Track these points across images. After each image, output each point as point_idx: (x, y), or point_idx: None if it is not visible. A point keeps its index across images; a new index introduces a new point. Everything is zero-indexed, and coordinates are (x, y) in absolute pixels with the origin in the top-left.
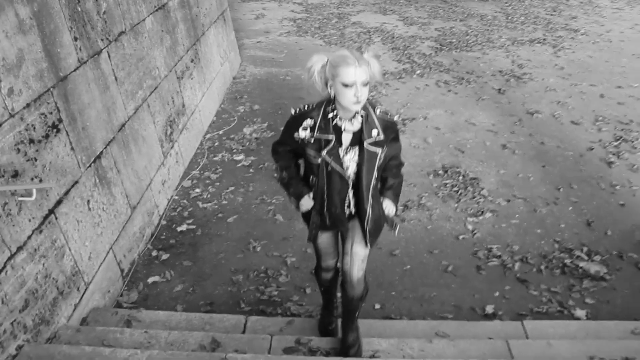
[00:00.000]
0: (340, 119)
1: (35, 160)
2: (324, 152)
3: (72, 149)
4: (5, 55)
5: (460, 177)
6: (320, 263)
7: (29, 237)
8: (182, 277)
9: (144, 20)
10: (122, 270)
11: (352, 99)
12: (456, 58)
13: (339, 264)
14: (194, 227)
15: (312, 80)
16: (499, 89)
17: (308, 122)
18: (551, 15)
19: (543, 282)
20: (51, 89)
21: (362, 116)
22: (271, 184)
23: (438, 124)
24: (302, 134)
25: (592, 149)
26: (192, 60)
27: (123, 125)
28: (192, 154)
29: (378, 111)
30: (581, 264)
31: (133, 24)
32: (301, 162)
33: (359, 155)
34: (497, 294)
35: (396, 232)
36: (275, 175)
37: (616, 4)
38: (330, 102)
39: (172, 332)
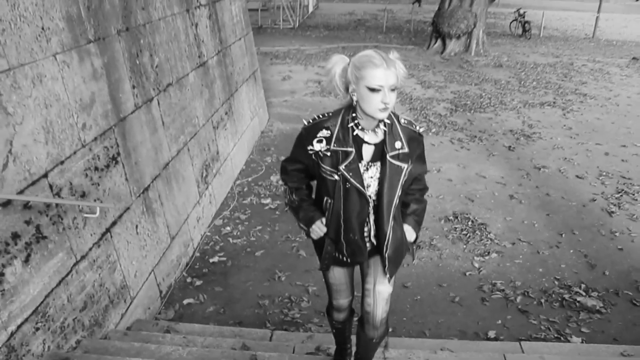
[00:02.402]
0: (361, 129)
1: (98, 185)
2: (342, 166)
3: (126, 179)
4: (82, 97)
5: (470, 223)
6: (331, 301)
7: (90, 249)
8: (214, 300)
9: (187, 74)
10: (160, 292)
11: (379, 106)
12: (470, 118)
13: (354, 303)
14: (224, 259)
15: (332, 84)
16: (509, 146)
17: (324, 132)
18: (562, 80)
19: (542, 313)
20: (113, 127)
21: (385, 125)
22: (295, 225)
23: (451, 176)
24: (317, 146)
25: (595, 200)
26: (226, 113)
27: (167, 164)
28: (224, 197)
29: (403, 120)
30: (579, 299)
31: (179, 77)
32: (313, 184)
33: (381, 170)
34: (499, 321)
35: (415, 260)
36: (285, 197)
37: (625, 71)
38: (350, 109)
39: (207, 338)
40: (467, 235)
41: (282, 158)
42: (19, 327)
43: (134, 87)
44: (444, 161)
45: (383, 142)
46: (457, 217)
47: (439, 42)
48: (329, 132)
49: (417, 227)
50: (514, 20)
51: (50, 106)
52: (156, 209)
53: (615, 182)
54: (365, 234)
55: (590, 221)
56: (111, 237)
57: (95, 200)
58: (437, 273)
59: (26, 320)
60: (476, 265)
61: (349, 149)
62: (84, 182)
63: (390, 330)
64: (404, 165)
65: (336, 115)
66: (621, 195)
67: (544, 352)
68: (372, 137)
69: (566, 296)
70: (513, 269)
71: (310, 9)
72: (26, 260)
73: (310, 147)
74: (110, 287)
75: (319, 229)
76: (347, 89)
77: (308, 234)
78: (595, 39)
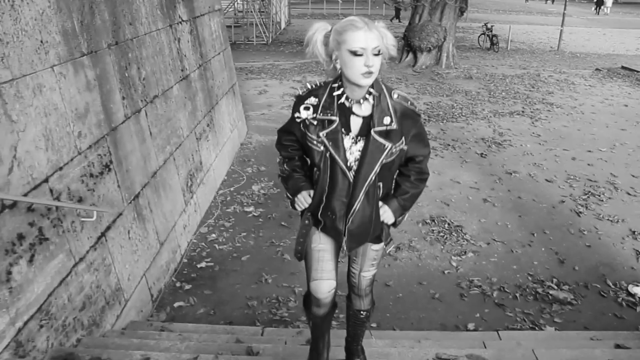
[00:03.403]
0: (347, 98)
1: (93, 191)
2: (322, 133)
3: (118, 186)
4: (78, 107)
5: (446, 225)
6: (309, 287)
7: (87, 252)
8: (204, 302)
9: (172, 87)
10: (152, 295)
11: (361, 70)
12: (443, 128)
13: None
14: (212, 264)
15: (314, 52)
16: (481, 154)
17: (311, 100)
18: (530, 91)
19: (517, 306)
20: (106, 136)
21: (374, 97)
22: (279, 231)
23: (427, 182)
24: (304, 114)
25: (564, 201)
26: (208, 125)
27: (155, 172)
28: (208, 205)
29: (396, 95)
30: (551, 292)
31: (164, 89)
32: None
33: (364, 144)
34: (477, 315)
35: (389, 249)
36: (279, 168)
37: (589, 81)
38: (338, 78)
39: (202, 335)
40: (444, 237)
41: (263, 168)
42: (25, 323)
43: (123, 98)
44: None
45: (370, 115)
46: (434, 220)
47: (411, 55)
48: (316, 99)
49: (400, 210)
50: (482, 34)
51: (49, 115)
52: (146, 215)
53: (583, 185)
54: (346, 219)
55: (560, 221)
56: (106, 240)
57: (91, 205)
58: (417, 272)
59: (31, 317)
60: (454, 264)
61: (333, 118)
62: (80, 188)
63: (375, 305)
64: (388, 144)
65: (326, 84)
66: (588, 197)
67: (520, 339)
68: (358, 109)
69: (539, 290)
70: (489, 266)
71: (283, 25)
72: (30, 260)
73: (297, 115)
74: (106, 289)
75: (304, 199)
76: (330, 58)
77: (293, 204)
78: (560, 51)
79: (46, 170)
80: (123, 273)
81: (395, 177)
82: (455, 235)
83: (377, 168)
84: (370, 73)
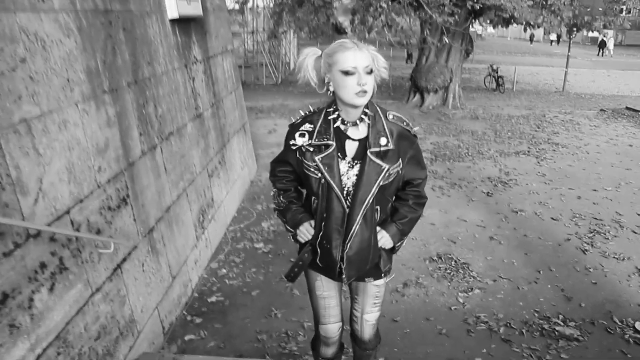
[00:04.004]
0: (342, 121)
1: (111, 223)
2: (317, 157)
3: (134, 219)
4: (98, 142)
5: (453, 262)
6: (318, 329)
7: (104, 282)
8: (214, 336)
9: (186, 125)
10: (163, 328)
11: (355, 89)
12: (449, 167)
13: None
14: (222, 298)
15: (305, 76)
16: (487, 192)
17: (307, 127)
18: (535, 131)
19: (524, 342)
20: (124, 171)
21: (369, 118)
22: (288, 266)
23: (433, 220)
24: (300, 140)
25: (569, 239)
26: (219, 162)
27: (169, 207)
28: (218, 241)
29: (391, 116)
30: (557, 328)
31: (179, 127)
32: (304, 190)
33: (360, 166)
34: (484, 350)
35: (388, 279)
36: (273, 201)
37: (593, 122)
38: (333, 102)
39: None
40: (451, 274)
41: (272, 206)
42: (44, 350)
43: (140, 134)
44: (426, 207)
45: (366, 137)
46: (440, 258)
47: (418, 96)
48: (312, 126)
49: (397, 236)
50: (487, 75)
51: (72, 149)
52: (160, 249)
53: (588, 223)
54: (343, 249)
55: (565, 259)
56: (121, 272)
57: (109, 237)
58: (424, 308)
59: (50, 344)
60: (460, 300)
61: (329, 142)
62: (99, 220)
63: (381, 341)
64: (385, 165)
65: (321, 110)
66: (594, 235)
67: None
68: (355, 132)
69: (545, 326)
70: (495, 303)
71: (292, 66)
72: (51, 289)
73: (292, 142)
74: (120, 320)
75: (306, 230)
76: (322, 82)
77: (295, 238)
78: (565, 92)
79: (68, 202)
80: (136, 305)
81: (392, 202)
82: (462, 272)
83: (374, 190)
84: (364, 92)
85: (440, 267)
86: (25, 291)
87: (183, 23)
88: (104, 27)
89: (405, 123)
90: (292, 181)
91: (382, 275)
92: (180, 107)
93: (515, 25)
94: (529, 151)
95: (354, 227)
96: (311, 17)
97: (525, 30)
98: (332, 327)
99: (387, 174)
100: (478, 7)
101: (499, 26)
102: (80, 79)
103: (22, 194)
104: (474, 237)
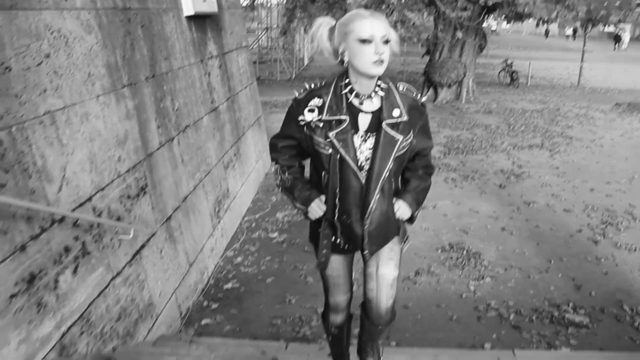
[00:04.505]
0: (356, 95)
1: (130, 211)
2: (331, 133)
3: (152, 208)
4: (118, 133)
5: (464, 252)
6: (328, 300)
7: (123, 267)
8: (230, 321)
9: (202, 118)
10: (180, 312)
11: (372, 58)
12: (462, 160)
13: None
14: (237, 285)
15: (319, 46)
16: (500, 185)
17: (316, 101)
18: (549, 125)
19: (534, 329)
20: (142, 161)
21: (383, 90)
22: (302, 255)
23: (446, 212)
24: (309, 116)
25: (581, 230)
26: (235, 155)
27: (186, 197)
28: (234, 231)
29: (401, 87)
30: (567, 315)
31: (195, 120)
32: (306, 163)
33: (375, 139)
34: (494, 336)
35: (405, 248)
36: (276, 179)
37: (608, 115)
38: (343, 76)
39: (229, 347)
40: (463, 263)
41: (286, 197)
42: (69, 328)
43: (158, 127)
44: (439, 198)
45: (380, 109)
46: (452, 247)
47: (431, 90)
48: (321, 100)
49: (415, 205)
50: (502, 70)
51: (94, 140)
52: (177, 237)
53: (600, 215)
54: (365, 220)
55: (577, 249)
56: (140, 258)
57: (129, 224)
58: (435, 295)
59: (74, 323)
60: (472, 288)
61: (342, 117)
62: (119, 208)
63: (394, 316)
64: (400, 137)
65: (329, 83)
66: (606, 226)
67: (534, 358)
68: (368, 105)
69: (555, 314)
70: (506, 291)
71: (306, 62)
72: (74, 271)
73: (301, 118)
74: (139, 303)
75: (318, 207)
76: (337, 52)
77: (306, 215)
78: (581, 86)
79: (90, 190)
80: (155, 289)
81: (402, 174)
82: (474, 261)
83: (390, 163)
84: (381, 62)
85: (452, 257)
86: (50, 273)
87: (199, 20)
88: (123, 24)
89: (415, 94)
90: (296, 156)
91: (400, 241)
92: (196, 101)
93: (529, 20)
94: (542, 144)
95: (372, 202)
96: (324, 13)
97: (538, 25)
98: (341, 299)
99: (402, 146)
100: (491, 3)
101: (513, 21)
102: (100, 73)
103: (47, 181)
104: (485, 228)
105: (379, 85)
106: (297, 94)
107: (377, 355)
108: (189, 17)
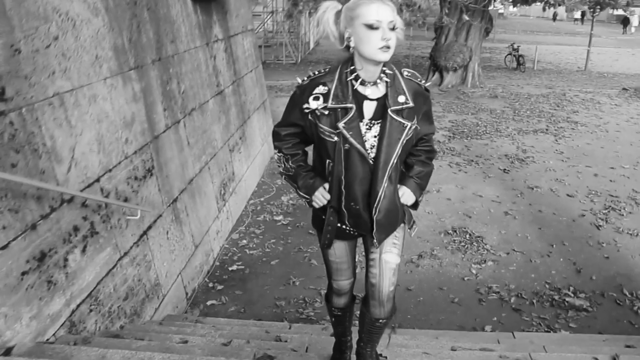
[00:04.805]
0: (362, 82)
1: (137, 192)
2: (340, 124)
3: (159, 190)
4: (125, 115)
5: (467, 236)
6: (331, 283)
7: (131, 247)
8: (235, 301)
9: (208, 101)
10: (186, 293)
11: (378, 44)
12: (467, 145)
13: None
14: (242, 267)
15: (325, 31)
16: (504, 169)
17: (320, 89)
18: (555, 109)
19: (534, 312)
20: (149, 143)
21: (388, 76)
22: (306, 238)
23: (450, 196)
24: (314, 104)
25: (584, 215)
26: (240, 138)
27: (192, 179)
28: (239, 214)
29: (405, 73)
30: (567, 299)
31: (201, 103)
32: (309, 149)
33: (381, 126)
34: (495, 318)
35: (413, 233)
36: (279, 167)
37: (614, 100)
38: (348, 63)
39: (234, 327)
40: (465, 247)
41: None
42: (78, 306)
43: (165, 109)
44: (443, 183)
45: (385, 96)
46: (455, 231)
47: (437, 75)
48: (326, 88)
49: (418, 190)
50: (508, 54)
51: (101, 122)
52: (183, 218)
53: (604, 200)
54: (372, 206)
55: (579, 234)
56: (147, 239)
57: (136, 205)
58: (437, 278)
59: (83, 301)
60: (474, 271)
61: (349, 105)
62: (126, 189)
63: (395, 311)
64: (407, 123)
65: (333, 70)
66: (608, 212)
67: (533, 339)
68: (373, 92)
69: (556, 297)
70: (507, 274)
71: (312, 46)
72: (83, 250)
73: (305, 106)
74: (146, 283)
75: (322, 195)
76: (342, 37)
77: (310, 203)
78: (587, 71)
79: (98, 171)
80: (161, 270)
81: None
82: (476, 245)
83: (398, 150)
84: (387, 47)
85: (454, 240)
86: (60, 251)
87: (204, 3)
88: (129, 6)
89: (419, 79)
90: (299, 144)
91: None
92: (202, 84)
93: (537, 3)
94: (547, 129)
95: (380, 190)
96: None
97: (544, 9)
98: (344, 283)
99: (409, 132)
100: None
101: (520, 5)
102: (107, 56)
103: (56, 162)
104: (489, 212)
105: (384, 72)
106: (300, 81)
107: None
108: (194, 1)
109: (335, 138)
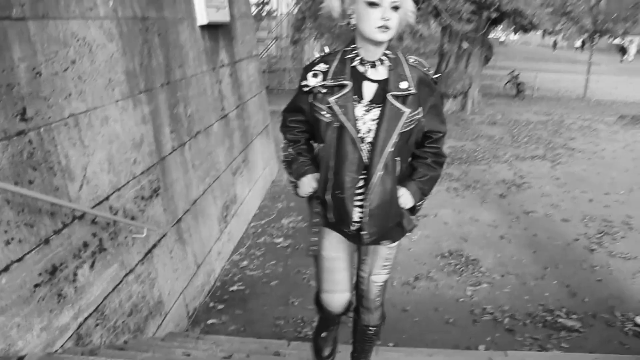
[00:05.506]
0: (361, 61)
1: (143, 212)
2: (332, 99)
3: (164, 210)
4: (135, 137)
5: (463, 259)
6: (321, 288)
7: (136, 265)
8: (235, 320)
9: (212, 124)
10: (188, 312)
11: (377, 23)
12: (465, 170)
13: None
14: (243, 287)
15: (329, 6)
16: (501, 194)
17: (321, 66)
18: (552, 136)
19: (527, 332)
20: (156, 164)
21: (390, 59)
22: (306, 260)
23: (447, 220)
24: (312, 81)
25: (578, 239)
26: (243, 161)
27: (195, 201)
28: (240, 236)
29: (412, 59)
30: (560, 320)
31: (206, 126)
32: (316, 145)
33: (381, 111)
34: (488, 338)
35: (410, 232)
36: (283, 154)
37: (612, 127)
38: (351, 42)
39: (234, 344)
40: (461, 269)
41: (292, 204)
42: (85, 319)
43: (171, 132)
44: (440, 207)
45: (387, 80)
46: (451, 254)
47: None
48: (327, 65)
49: (419, 194)
50: (508, 82)
51: (112, 142)
52: (186, 239)
53: (598, 225)
54: (356, 195)
55: (573, 257)
56: (152, 257)
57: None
58: (433, 300)
59: (90, 315)
60: (468, 293)
61: (345, 82)
62: (133, 208)
63: (384, 319)
64: (406, 110)
65: (337, 51)
66: (602, 236)
67: (525, 357)
68: (373, 73)
69: (549, 318)
70: (502, 296)
71: None
72: (92, 266)
73: (304, 83)
74: (150, 300)
75: (309, 183)
76: (344, 15)
77: (296, 190)
78: (586, 99)
79: (107, 190)
80: (165, 288)
81: (411, 161)
82: (472, 267)
83: (394, 137)
84: (386, 28)
85: (450, 263)
86: (70, 266)
87: (212, 29)
88: (141, 32)
89: (426, 68)
90: (304, 132)
91: (405, 233)
92: (207, 108)
93: (535, 33)
94: (544, 156)
95: (374, 177)
96: (333, 23)
97: (543, 37)
98: (337, 298)
99: (407, 120)
100: (495, 15)
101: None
102: (120, 79)
103: (69, 179)
104: (485, 236)
105: (386, 55)
106: (308, 62)
107: None
108: (202, 27)
109: (328, 116)
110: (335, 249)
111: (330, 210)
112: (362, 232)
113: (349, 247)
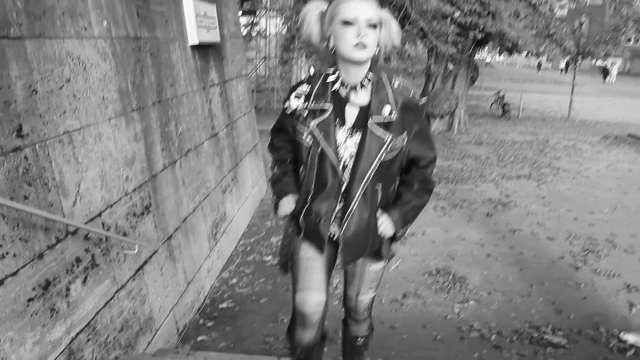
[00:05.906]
0: (342, 84)
1: (135, 228)
2: (312, 122)
3: (155, 226)
4: (127, 154)
5: (450, 276)
6: (295, 300)
7: (127, 281)
8: (224, 337)
9: (203, 143)
10: (178, 329)
11: (352, 41)
12: (452, 189)
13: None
14: (232, 305)
15: (308, 30)
16: (487, 213)
17: (303, 88)
18: (538, 156)
19: (514, 349)
20: (147, 181)
21: (373, 82)
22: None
23: (434, 238)
24: (294, 103)
25: (563, 257)
26: (232, 180)
27: (186, 218)
28: (229, 253)
29: (397, 84)
30: (546, 337)
31: (196, 145)
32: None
33: (361, 137)
34: (476, 355)
35: (392, 267)
36: (271, 173)
37: (596, 147)
38: (334, 64)
39: (224, 359)
40: (448, 287)
41: (281, 223)
42: (77, 334)
43: (163, 150)
44: (428, 226)
45: (369, 104)
46: (439, 272)
47: None
48: (309, 87)
49: (400, 222)
50: (494, 102)
51: (105, 159)
52: (177, 256)
53: (582, 243)
54: (332, 225)
55: (558, 275)
56: (143, 273)
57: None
58: (421, 317)
59: (82, 330)
60: (456, 310)
61: (326, 106)
62: (125, 224)
63: (372, 330)
64: (387, 136)
65: (320, 73)
66: (587, 254)
67: None
68: (356, 97)
69: (535, 335)
70: (489, 313)
71: None
72: (84, 281)
73: (286, 105)
74: (140, 316)
75: (288, 203)
76: (324, 38)
77: (275, 210)
78: (570, 119)
79: (100, 206)
80: (155, 304)
81: (396, 186)
82: (459, 285)
83: (375, 164)
84: (363, 46)
85: (438, 281)
86: (63, 281)
87: (202, 49)
88: (134, 52)
89: (412, 93)
90: (290, 152)
91: (382, 259)
92: (198, 127)
93: (519, 54)
94: (530, 175)
95: (352, 205)
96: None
97: (527, 57)
98: (312, 296)
99: (389, 147)
100: (480, 37)
101: (504, 54)
102: (113, 97)
103: (63, 195)
104: (471, 254)
105: (368, 78)
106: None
107: None
108: (193, 47)
109: (308, 140)
110: (311, 250)
111: (303, 231)
112: (338, 262)
113: (328, 269)
